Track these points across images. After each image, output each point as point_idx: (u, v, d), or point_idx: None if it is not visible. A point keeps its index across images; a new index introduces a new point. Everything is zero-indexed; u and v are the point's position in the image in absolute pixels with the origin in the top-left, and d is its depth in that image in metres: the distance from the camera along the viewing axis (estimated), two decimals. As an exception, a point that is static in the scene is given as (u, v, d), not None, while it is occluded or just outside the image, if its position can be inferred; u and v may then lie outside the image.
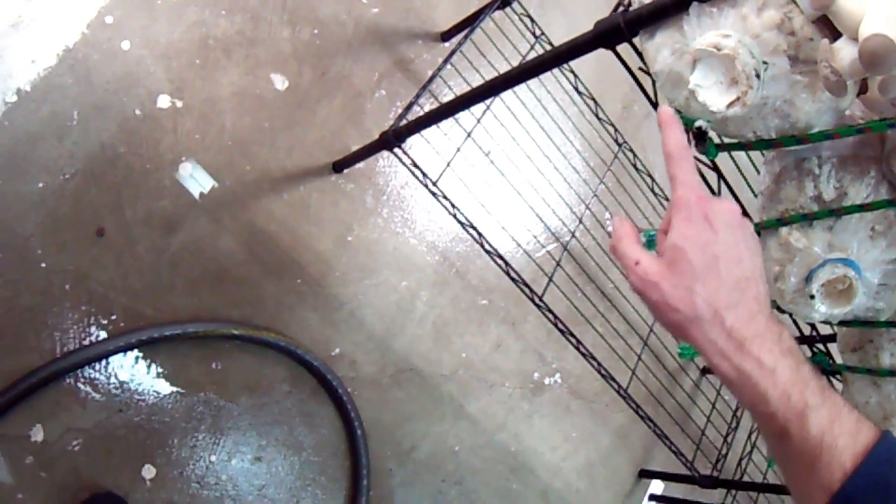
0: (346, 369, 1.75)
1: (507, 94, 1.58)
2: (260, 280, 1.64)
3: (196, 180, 1.57)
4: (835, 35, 0.83)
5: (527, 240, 2.09)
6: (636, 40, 0.98)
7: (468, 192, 1.88)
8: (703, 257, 0.63)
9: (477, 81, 1.89)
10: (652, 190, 2.07)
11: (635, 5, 0.94)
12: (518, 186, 1.97)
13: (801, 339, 1.68)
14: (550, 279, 1.69)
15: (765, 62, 0.82)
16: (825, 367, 1.42)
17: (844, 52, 0.74)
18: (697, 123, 0.88)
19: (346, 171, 1.75)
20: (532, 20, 1.80)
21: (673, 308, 0.63)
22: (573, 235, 1.96)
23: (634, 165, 2.01)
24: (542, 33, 1.80)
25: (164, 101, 1.54)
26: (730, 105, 0.80)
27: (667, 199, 2.14)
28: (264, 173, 1.66)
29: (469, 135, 1.68)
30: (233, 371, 1.59)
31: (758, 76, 0.81)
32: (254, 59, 1.66)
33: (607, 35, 0.96)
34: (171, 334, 1.46)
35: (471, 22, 1.84)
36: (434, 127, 1.47)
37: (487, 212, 1.92)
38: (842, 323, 1.20)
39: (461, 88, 1.91)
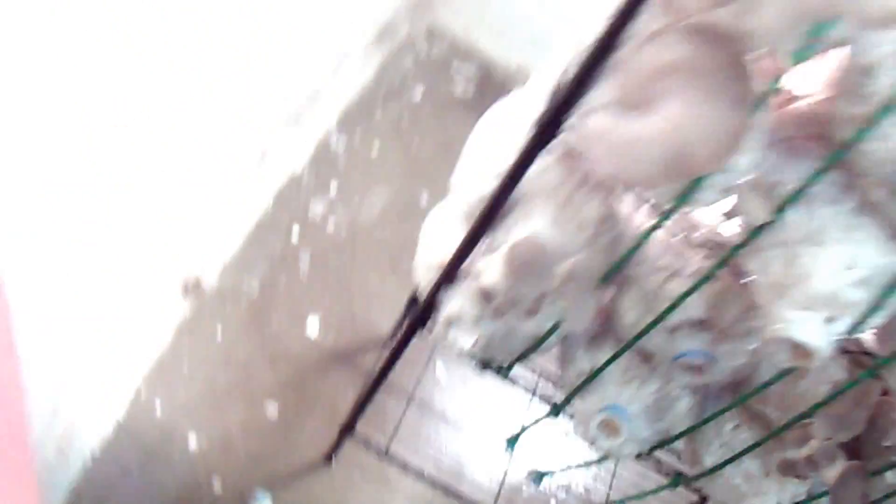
0: None
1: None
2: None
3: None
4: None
5: None
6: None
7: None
8: None
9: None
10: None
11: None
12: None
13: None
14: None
15: (480, 313, 1.46)
16: (686, 481, 1.83)
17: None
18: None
19: (333, 458, 2.34)
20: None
21: None
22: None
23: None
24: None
25: (192, 443, 2.21)
26: (470, 348, 1.43)
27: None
28: (274, 478, 2.27)
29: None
30: None
31: (477, 321, 1.45)
32: (249, 395, 2.36)
33: (415, 326, 1.61)
34: None
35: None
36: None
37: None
38: (652, 449, 1.70)
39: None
